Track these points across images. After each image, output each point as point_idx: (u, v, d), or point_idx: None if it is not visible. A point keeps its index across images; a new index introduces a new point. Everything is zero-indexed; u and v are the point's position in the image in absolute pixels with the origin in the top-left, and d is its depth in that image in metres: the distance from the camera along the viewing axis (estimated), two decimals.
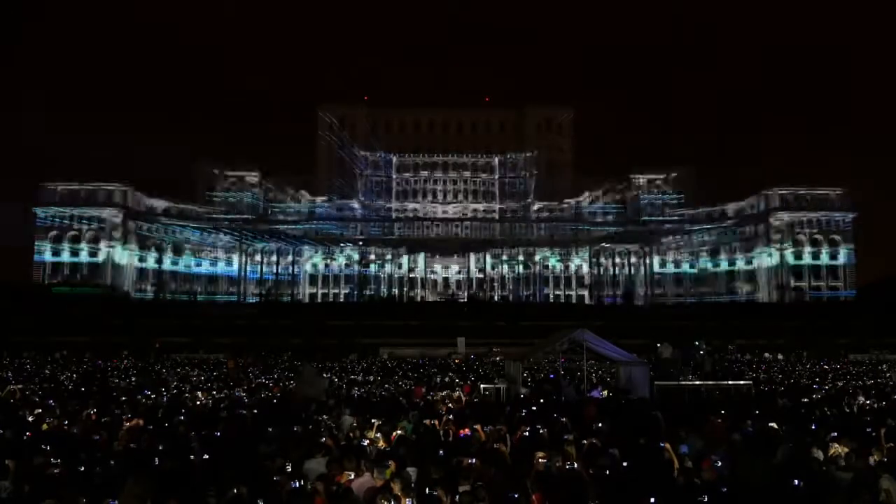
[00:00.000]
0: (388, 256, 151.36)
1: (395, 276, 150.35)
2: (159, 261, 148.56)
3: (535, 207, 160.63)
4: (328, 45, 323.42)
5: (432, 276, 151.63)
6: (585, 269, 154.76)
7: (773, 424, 16.88)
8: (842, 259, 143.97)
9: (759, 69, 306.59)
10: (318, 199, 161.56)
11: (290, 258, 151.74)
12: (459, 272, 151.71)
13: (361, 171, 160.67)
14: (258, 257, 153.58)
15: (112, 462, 12.86)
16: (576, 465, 11.89)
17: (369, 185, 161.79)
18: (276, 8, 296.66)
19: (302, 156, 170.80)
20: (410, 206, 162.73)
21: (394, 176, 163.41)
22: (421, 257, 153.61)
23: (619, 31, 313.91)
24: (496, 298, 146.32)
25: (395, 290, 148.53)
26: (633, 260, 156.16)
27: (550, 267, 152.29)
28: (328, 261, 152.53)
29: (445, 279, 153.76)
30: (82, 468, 12.00)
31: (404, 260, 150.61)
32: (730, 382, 34.44)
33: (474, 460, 12.26)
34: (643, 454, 13.69)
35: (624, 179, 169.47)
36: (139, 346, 76.89)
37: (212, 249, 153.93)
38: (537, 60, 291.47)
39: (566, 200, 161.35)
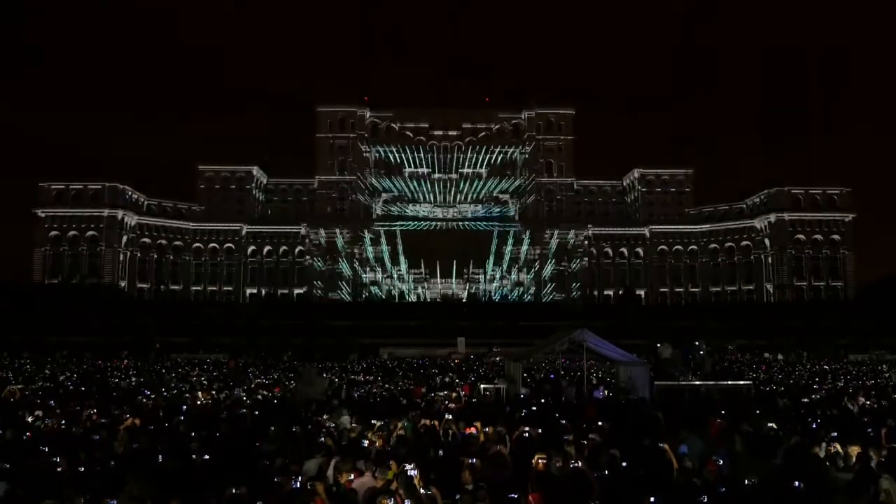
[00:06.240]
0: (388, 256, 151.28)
1: (394, 276, 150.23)
2: (159, 260, 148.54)
3: (535, 206, 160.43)
4: (328, 45, 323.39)
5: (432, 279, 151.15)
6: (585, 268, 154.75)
7: (773, 424, 16.86)
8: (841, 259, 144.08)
9: (759, 69, 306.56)
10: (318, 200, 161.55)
11: (290, 258, 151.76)
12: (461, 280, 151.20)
13: (361, 172, 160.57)
14: (258, 256, 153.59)
15: (112, 462, 12.86)
16: (580, 463, 11.88)
17: (369, 185, 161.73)
18: (277, 7, 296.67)
19: (302, 156, 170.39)
20: (410, 206, 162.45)
21: (394, 176, 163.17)
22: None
23: (620, 30, 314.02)
24: (495, 299, 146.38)
25: (395, 291, 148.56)
26: (633, 259, 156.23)
27: (550, 266, 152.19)
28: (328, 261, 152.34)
29: (445, 280, 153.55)
30: (82, 468, 12.00)
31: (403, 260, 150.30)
32: (730, 382, 34.42)
33: (474, 460, 12.25)
34: (643, 454, 13.69)
35: (624, 178, 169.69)
36: (139, 346, 76.91)
37: (212, 248, 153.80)
38: (537, 60, 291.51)
39: (566, 200, 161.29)
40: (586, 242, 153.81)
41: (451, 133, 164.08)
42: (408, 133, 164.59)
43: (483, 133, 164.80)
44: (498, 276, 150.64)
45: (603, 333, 32.23)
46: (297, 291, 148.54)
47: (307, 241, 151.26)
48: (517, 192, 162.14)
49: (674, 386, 32.55)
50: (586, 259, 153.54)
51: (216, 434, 16.46)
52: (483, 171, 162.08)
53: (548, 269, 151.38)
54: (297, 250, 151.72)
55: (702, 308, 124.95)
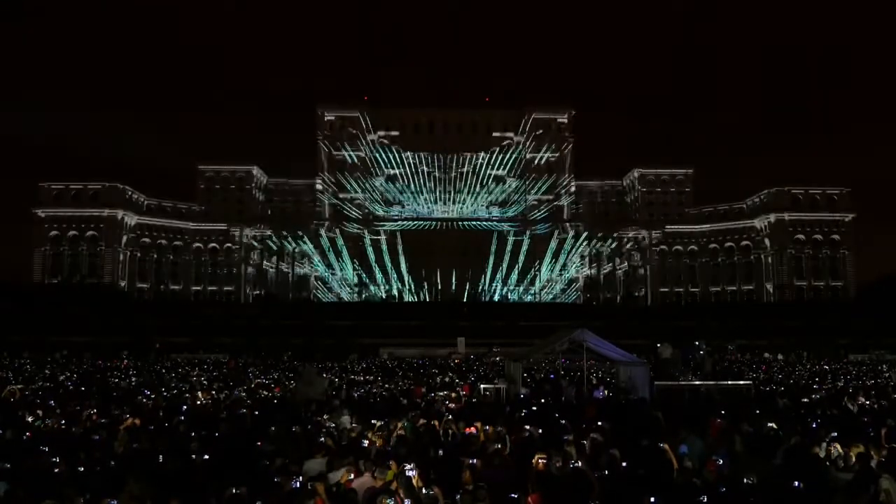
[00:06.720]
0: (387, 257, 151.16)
1: (393, 276, 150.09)
2: (159, 260, 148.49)
3: (536, 207, 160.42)
4: (328, 45, 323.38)
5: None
6: (585, 268, 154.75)
7: (773, 424, 16.85)
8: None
9: (759, 69, 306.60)
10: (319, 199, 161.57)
11: (289, 258, 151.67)
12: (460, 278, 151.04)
13: (361, 172, 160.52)
14: (258, 257, 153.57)
15: (112, 462, 12.86)
16: (580, 463, 11.88)
17: (369, 185, 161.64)
18: (277, 7, 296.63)
19: (302, 156, 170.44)
20: (410, 207, 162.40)
21: (394, 177, 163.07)
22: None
23: (620, 30, 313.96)
24: (495, 299, 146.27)
25: (395, 291, 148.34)
26: (632, 259, 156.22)
27: (550, 266, 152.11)
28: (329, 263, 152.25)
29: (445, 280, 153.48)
30: (82, 468, 12.00)
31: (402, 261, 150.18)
32: (730, 382, 34.41)
33: (474, 460, 12.25)
34: (643, 454, 13.69)
35: (624, 178, 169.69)
36: (139, 346, 76.89)
37: (212, 248, 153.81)
38: (537, 60, 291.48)
39: (566, 200, 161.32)
40: (586, 242, 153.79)
41: (450, 133, 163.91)
42: (407, 133, 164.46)
43: (483, 133, 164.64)
44: (498, 276, 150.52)
45: (603, 333, 32.21)
46: (295, 293, 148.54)
47: (306, 240, 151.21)
48: (517, 192, 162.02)
49: (674, 386, 32.54)
50: (585, 259, 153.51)
51: (216, 434, 16.45)
52: (482, 171, 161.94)
53: (547, 269, 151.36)
54: (296, 250, 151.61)
55: (702, 308, 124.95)
